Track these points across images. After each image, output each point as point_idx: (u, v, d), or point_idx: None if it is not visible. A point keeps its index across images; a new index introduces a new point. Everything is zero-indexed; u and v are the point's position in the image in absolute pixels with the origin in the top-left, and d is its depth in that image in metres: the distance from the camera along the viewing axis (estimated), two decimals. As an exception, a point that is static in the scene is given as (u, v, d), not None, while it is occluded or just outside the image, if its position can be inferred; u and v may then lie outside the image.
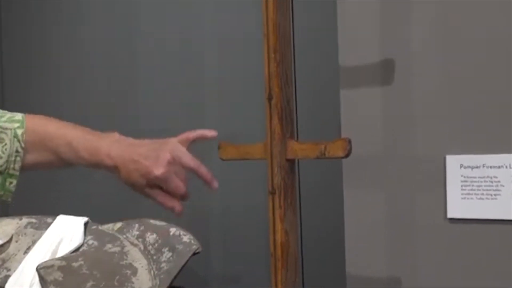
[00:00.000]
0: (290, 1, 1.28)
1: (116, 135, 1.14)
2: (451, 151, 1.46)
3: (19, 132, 1.06)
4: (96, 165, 1.11)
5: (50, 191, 2.87)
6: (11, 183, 1.07)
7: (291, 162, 1.25)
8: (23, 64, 3.05)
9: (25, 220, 2.26)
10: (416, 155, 1.51)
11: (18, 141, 1.06)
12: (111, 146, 1.10)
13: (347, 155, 1.16)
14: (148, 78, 2.65)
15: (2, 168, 1.05)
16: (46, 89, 2.97)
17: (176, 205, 1.12)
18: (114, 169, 1.10)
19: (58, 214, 2.26)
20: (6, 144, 1.05)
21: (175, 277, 1.88)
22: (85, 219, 2.19)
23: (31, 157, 1.09)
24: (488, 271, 1.43)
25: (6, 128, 1.06)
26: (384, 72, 1.54)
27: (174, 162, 1.09)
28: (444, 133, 1.47)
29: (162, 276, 1.88)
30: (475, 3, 1.43)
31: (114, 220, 2.19)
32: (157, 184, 1.09)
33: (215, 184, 1.16)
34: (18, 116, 1.10)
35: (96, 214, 2.30)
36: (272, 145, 1.23)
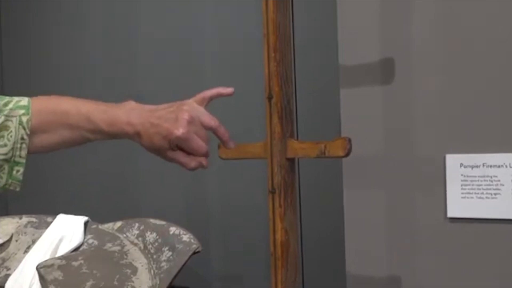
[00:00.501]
0: (290, 1, 1.29)
1: (132, 103, 1.14)
2: (451, 150, 1.46)
3: (24, 119, 1.06)
4: (116, 135, 1.11)
5: (50, 190, 2.88)
6: (18, 171, 1.07)
7: (291, 161, 1.25)
8: (23, 64, 3.06)
9: (25, 219, 2.26)
10: (416, 154, 1.51)
11: (24, 128, 1.06)
12: (129, 113, 1.10)
13: (347, 154, 1.16)
14: (147, 77, 2.65)
15: (8, 156, 1.05)
16: (46, 88, 2.97)
17: (202, 160, 1.12)
18: (135, 136, 1.09)
19: (58, 213, 2.26)
20: (11, 131, 1.05)
21: (175, 276, 1.88)
22: (85, 218, 2.19)
23: (49, 138, 1.09)
24: (488, 270, 1.43)
25: (12, 116, 1.05)
26: (384, 71, 1.54)
27: (193, 121, 1.09)
28: (444, 132, 1.47)
29: (162, 275, 1.88)
30: (475, 3, 1.43)
31: (114, 219, 2.19)
32: (180, 146, 1.10)
33: (232, 144, 1.17)
34: (24, 101, 1.09)
35: (96, 213, 2.31)
36: (272, 144, 1.23)
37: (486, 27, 1.42)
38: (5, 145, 1.04)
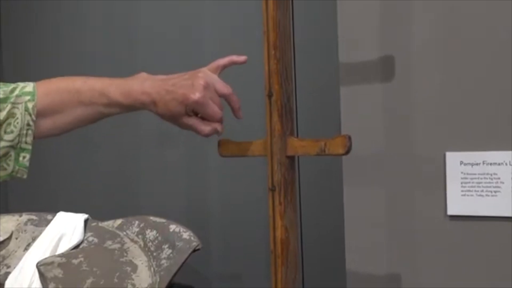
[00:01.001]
0: (290, -2, 1.28)
1: (144, 74, 1.16)
2: (451, 148, 1.46)
3: (30, 105, 1.07)
4: (132, 106, 1.12)
5: (50, 188, 2.88)
6: (24, 157, 1.08)
7: (291, 159, 1.25)
8: (23, 64, 3.05)
9: (25, 216, 2.26)
10: (416, 152, 1.51)
11: (29, 114, 1.06)
12: (143, 83, 1.11)
13: (347, 152, 1.16)
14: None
15: (15, 142, 1.05)
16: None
17: (217, 126, 1.15)
18: (151, 104, 1.10)
19: (58, 211, 2.26)
20: (17, 118, 1.05)
21: (175, 274, 1.88)
22: (85, 216, 2.19)
23: (62, 118, 1.10)
24: (488, 268, 1.43)
25: (18, 103, 1.06)
26: (384, 69, 1.54)
27: (208, 87, 1.11)
28: (444, 130, 1.47)
29: (162, 273, 1.88)
30: (476, 3, 1.43)
31: (114, 217, 2.19)
32: (195, 112, 1.12)
33: (240, 115, 1.22)
34: (30, 87, 1.09)
35: (96, 211, 2.31)
36: (272, 142, 1.23)
37: (487, 26, 1.42)
38: (12, 132, 1.05)
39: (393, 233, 1.55)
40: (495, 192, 1.41)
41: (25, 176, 1.09)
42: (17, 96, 1.06)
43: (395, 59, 1.52)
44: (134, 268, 1.91)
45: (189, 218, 2.43)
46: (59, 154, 2.87)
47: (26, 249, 2.16)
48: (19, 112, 1.06)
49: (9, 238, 2.19)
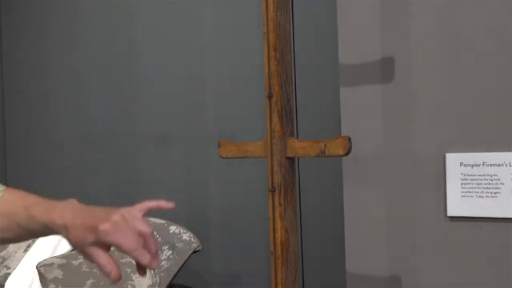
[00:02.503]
0: (290, 0, 1.29)
1: (74, 201, 1.15)
2: (451, 149, 1.46)
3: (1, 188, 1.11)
4: (46, 226, 1.11)
5: (49, 189, 2.88)
6: None
7: (291, 160, 1.25)
8: (23, 64, 3.06)
9: (25, 218, 2.25)
10: (416, 153, 1.51)
11: None
12: (66, 207, 1.11)
13: (347, 153, 1.16)
14: (148, 76, 2.65)
15: None
16: (46, 89, 2.98)
17: (114, 271, 1.04)
18: (62, 228, 1.08)
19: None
20: None
21: (175, 275, 1.89)
22: (85, 217, 2.18)
23: None
24: (488, 269, 1.43)
25: None
26: (384, 70, 1.54)
27: (124, 220, 1.07)
28: (444, 131, 1.47)
29: (162, 274, 1.88)
30: (475, 3, 1.43)
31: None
32: (106, 244, 1.06)
33: (156, 263, 1.10)
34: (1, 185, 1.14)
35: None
36: (272, 143, 1.23)
37: (486, 26, 1.42)
38: None
39: (393, 234, 1.55)
40: (495, 193, 1.41)
41: None
42: None
43: (394, 61, 1.52)
44: (134, 269, 1.91)
45: (189, 219, 2.43)
46: (59, 156, 2.87)
47: (26, 250, 2.16)
48: None
49: (9, 239, 2.19)
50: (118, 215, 1.07)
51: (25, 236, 1.17)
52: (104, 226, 1.03)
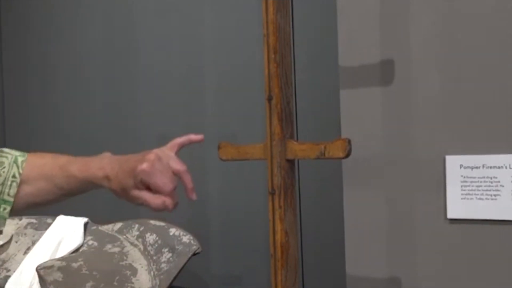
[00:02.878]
0: (290, 2, 1.29)
1: (107, 154, 1.17)
2: (451, 152, 1.46)
3: (20, 159, 1.09)
4: (87, 180, 1.12)
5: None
6: (5, 209, 1.08)
7: (291, 162, 1.25)
8: (22, 64, 3.06)
9: (25, 220, 2.26)
10: (416, 155, 1.51)
11: (17, 167, 1.08)
12: (102, 160, 1.13)
13: (347, 156, 1.16)
14: (148, 78, 2.65)
15: None
16: (45, 89, 2.98)
17: (167, 200, 1.11)
18: (104, 179, 1.11)
19: (58, 215, 2.26)
20: (4, 167, 1.07)
21: (175, 278, 1.88)
22: (85, 219, 2.19)
23: (27, 189, 1.12)
24: (488, 271, 1.43)
25: (8, 153, 1.08)
26: (384, 72, 1.54)
27: (160, 160, 1.10)
28: (444, 133, 1.47)
29: (162, 276, 1.88)
30: (475, 5, 1.43)
31: (114, 220, 2.19)
32: (145, 184, 1.09)
33: (194, 196, 1.17)
34: (21, 151, 1.13)
35: (96, 214, 2.31)
36: (272, 146, 1.23)
37: (486, 28, 1.42)
38: None
39: (393, 236, 1.55)
40: (495, 195, 1.41)
41: (2, 228, 1.10)
42: (8, 149, 1.09)
43: (394, 63, 1.53)
44: (134, 271, 1.91)
45: (189, 222, 2.43)
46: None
47: (26, 252, 2.16)
48: (7, 161, 1.07)
49: (9, 241, 2.19)
50: (153, 155, 1.09)
51: (64, 197, 1.17)
52: (142, 166, 1.07)
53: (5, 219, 1.08)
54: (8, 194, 1.08)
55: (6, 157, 1.07)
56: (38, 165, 1.12)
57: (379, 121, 1.55)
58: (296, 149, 1.22)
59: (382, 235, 1.56)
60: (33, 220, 2.26)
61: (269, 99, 1.23)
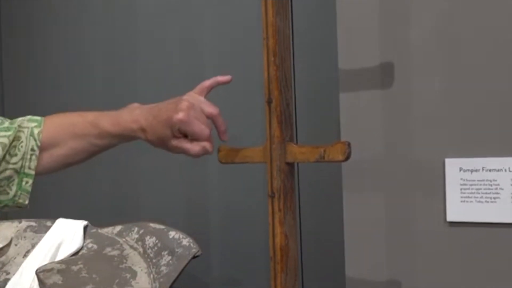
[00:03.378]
0: (290, 4, 1.29)
1: (135, 104, 1.18)
2: (450, 155, 1.46)
3: (36, 131, 1.08)
4: (122, 135, 1.13)
5: (50, 194, 2.87)
6: (27, 182, 1.08)
7: (290, 165, 1.25)
8: (23, 64, 3.06)
9: (24, 223, 2.25)
10: (415, 158, 1.51)
11: (34, 139, 1.07)
12: (132, 112, 1.14)
13: (346, 159, 1.16)
14: (147, 80, 2.66)
15: (18, 166, 1.06)
16: (45, 89, 2.98)
17: (206, 144, 1.14)
18: (140, 131, 1.12)
19: (57, 217, 2.26)
20: (22, 142, 1.06)
21: (174, 281, 1.88)
22: (84, 222, 2.19)
23: (58, 151, 1.12)
24: (487, 274, 1.43)
25: (24, 127, 1.07)
26: (384, 75, 1.54)
27: (193, 107, 1.12)
28: (443, 136, 1.47)
29: (161, 279, 1.88)
30: (475, 6, 1.43)
31: (113, 223, 2.19)
32: (182, 132, 1.11)
33: (226, 137, 1.22)
34: (37, 117, 1.11)
35: (95, 217, 2.30)
36: (271, 149, 1.23)
37: (486, 31, 1.42)
38: (16, 155, 1.06)
39: (393, 240, 1.55)
40: (494, 198, 1.41)
41: (26, 202, 1.10)
42: (23, 120, 1.08)
43: (394, 66, 1.53)
44: (134, 274, 1.91)
45: (188, 225, 2.43)
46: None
47: (25, 255, 2.16)
48: (24, 136, 1.07)
49: (9, 244, 2.19)
50: (185, 102, 1.11)
51: (97, 153, 1.17)
52: (178, 116, 1.09)
53: (28, 192, 1.08)
54: (29, 167, 1.08)
55: (23, 131, 1.07)
56: (66, 125, 1.12)
57: (379, 124, 1.55)
58: (296, 152, 1.22)
59: (382, 238, 1.56)
60: (33, 223, 2.25)
61: (269, 102, 1.23)
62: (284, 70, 1.24)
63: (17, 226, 2.24)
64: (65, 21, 2.92)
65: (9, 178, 1.05)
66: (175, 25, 2.58)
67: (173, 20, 2.59)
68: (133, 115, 1.12)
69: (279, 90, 1.22)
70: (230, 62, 2.43)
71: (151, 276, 1.91)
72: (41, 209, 2.72)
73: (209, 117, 1.16)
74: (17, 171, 1.06)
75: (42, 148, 1.09)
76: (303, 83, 2.09)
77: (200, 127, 1.12)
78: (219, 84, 1.24)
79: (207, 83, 1.23)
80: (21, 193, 1.08)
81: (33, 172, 1.08)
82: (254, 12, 2.10)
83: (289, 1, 1.27)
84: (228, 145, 1.33)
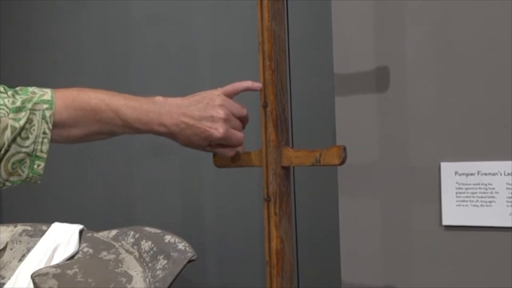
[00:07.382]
0: (285, 9, 1.29)
1: (160, 99, 1.15)
2: (445, 158, 1.47)
3: (48, 113, 1.07)
4: (147, 132, 1.14)
5: (45, 198, 2.87)
6: (39, 165, 1.08)
7: (286, 169, 1.25)
8: (22, 64, 3.05)
9: (20, 227, 2.25)
10: (411, 162, 1.51)
11: (46, 122, 1.07)
12: (160, 113, 1.12)
13: (342, 163, 1.16)
14: (144, 84, 2.66)
15: (30, 149, 1.05)
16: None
17: (240, 148, 1.20)
18: (168, 135, 1.12)
19: (53, 222, 2.26)
20: (34, 125, 1.05)
21: (170, 285, 1.88)
22: (80, 226, 2.18)
23: (77, 132, 1.11)
24: (483, 278, 1.43)
25: (36, 110, 1.06)
26: (379, 79, 1.54)
27: (228, 117, 1.13)
28: (439, 140, 1.48)
29: (157, 283, 1.87)
30: (470, 12, 1.43)
31: (109, 227, 2.19)
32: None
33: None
34: (48, 95, 1.09)
35: (91, 221, 2.30)
36: (267, 153, 1.23)
37: (481, 36, 1.43)
38: (28, 138, 1.05)
39: (388, 244, 1.55)
40: (490, 202, 1.42)
41: (39, 182, 1.10)
42: (35, 103, 1.06)
43: (389, 70, 1.53)
44: (129, 279, 1.90)
45: (184, 229, 2.43)
46: (54, 164, 2.86)
47: (20, 260, 2.15)
48: (36, 119, 1.06)
49: (4, 249, 2.18)
50: (221, 113, 1.12)
51: (112, 136, 1.16)
52: (219, 135, 1.12)
53: (40, 175, 1.08)
54: (41, 151, 1.07)
55: (35, 113, 1.06)
56: (88, 110, 1.10)
57: (375, 128, 1.55)
58: (292, 156, 1.22)
59: (378, 242, 1.56)
60: (28, 228, 2.25)
61: (264, 106, 1.23)
62: (279, 74, 1.24)
63: (12, 230, 2.23)
64: (64, 21, 2.92)
65: (21, 161, 1.05)
66: (172, 29, 2.58)
67: (170, 24, 2.59)
68: (160, 118, 1.11)
69: (275, 94, 1.23)
70: (226, 66, 2.43)
71: (147, 280, 1.91)
72: (37, 213, 2.71)
73: (241, 120, 1.19)
74: (29, 154, 1.06)
75: (59, 127, 1.09)
76: (299, 87, 2.09)
77: (237, 137, 1.16)
78: (250, 90, 1.24)
79: (239, 87, 1.23)
80: (32, 175, 1.08)
81: (45, 155, 1.08)
82: (249, 16, 2.10)
83: (285, 5, 1.28)
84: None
